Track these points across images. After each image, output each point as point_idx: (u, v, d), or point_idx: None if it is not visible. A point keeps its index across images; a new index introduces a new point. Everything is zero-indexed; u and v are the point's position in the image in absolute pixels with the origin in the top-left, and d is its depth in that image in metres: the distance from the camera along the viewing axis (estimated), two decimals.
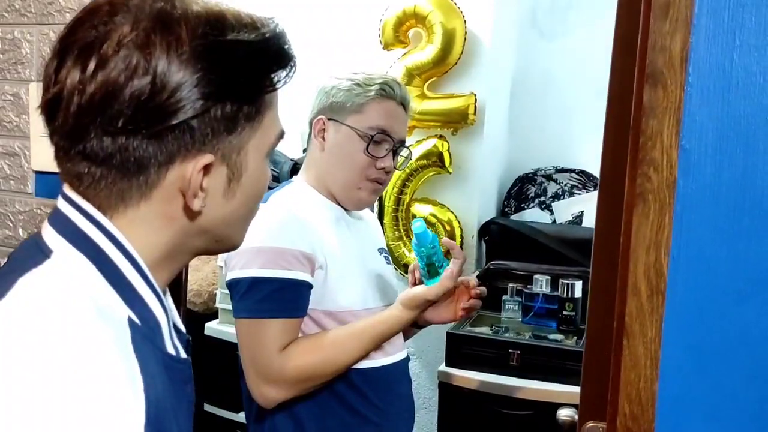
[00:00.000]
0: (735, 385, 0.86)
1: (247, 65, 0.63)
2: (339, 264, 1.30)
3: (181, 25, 0.59)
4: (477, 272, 2.25)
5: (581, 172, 2.44)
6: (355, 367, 1.29)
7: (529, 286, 2.11)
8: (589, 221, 2.39)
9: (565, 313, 2.01)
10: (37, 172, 1.31)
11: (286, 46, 0.68)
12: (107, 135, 0.59)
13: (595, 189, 2.42)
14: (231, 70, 0.62)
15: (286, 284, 1.22)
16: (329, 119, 1.35)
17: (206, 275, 2.51)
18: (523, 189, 2.48)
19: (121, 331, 0.60)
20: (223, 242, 0.72)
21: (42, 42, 1.27)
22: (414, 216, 2.33)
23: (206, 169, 0.63)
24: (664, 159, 0.88)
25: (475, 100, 2.25)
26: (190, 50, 0.59)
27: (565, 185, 2.44)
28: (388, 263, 1.50)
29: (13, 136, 1.32)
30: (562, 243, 2.26)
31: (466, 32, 2.25)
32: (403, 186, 2.33)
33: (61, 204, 0.64)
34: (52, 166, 1.25)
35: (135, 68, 0.57)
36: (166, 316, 0.67)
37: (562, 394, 1.84)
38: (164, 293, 0.69)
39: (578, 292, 1.99)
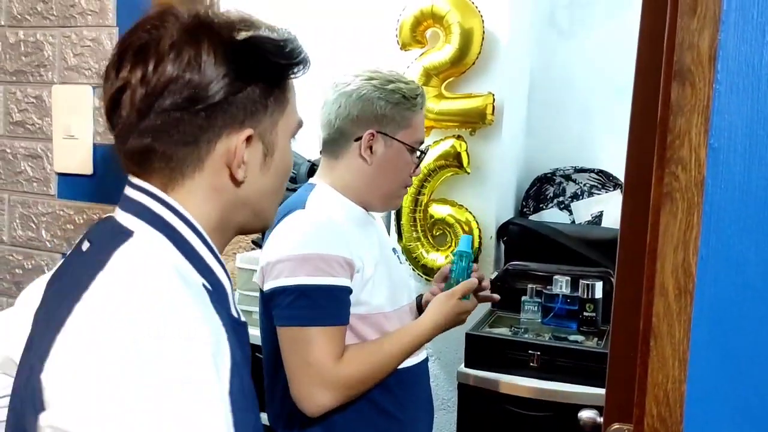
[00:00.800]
0: (765, 386, 0.84)
1: (273, 56, 0.76)
2: (370, 266, 1.32)
3: (218, 25, 0.74)
4: (495, 273, 2.24)
5: (600, 172, 2.42)
6: None
7: (548, 287, 2.10)
8: (609, 221, 2.37)
9: (585, 314, 1.99)
10: (60, 174, 1.32)
11: (300, 45, 0.81)
12: (168, 111, 0.71)
13: (614, 189, 2.40)
14: (260, 59, 0.75)
15: (333, 291, 1.24)
16: (378, 132, 1.34)
17: None
18: (541, 189, 2.46)
19: (201, 294, 0.70)
20: (259, 216, 0.83)
21: (64, 44, 1.28)
22: (434, 220, 2.32)
23: (247, 142, 0.76)
24: (693, 158, 0.86)
25: (493, 99, 2.23)
26: (230, 43, 0.73)
27: (584, 185, 2.42)
28: (401, 262, 1.52)
29: (37, 139, 1.33)
30: (582, 243, 2.24)
31: (483, 32, 2.23)
32: (421, 186, 2.32)
33: (129, 191, 0.76)
34: (74, 167, 1.27)
35: (187, 63, 0.71)
36: (229, 281, 0.78)
37: (583, 395, 1.82)
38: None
39: (599, 293, 1.98)
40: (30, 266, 1.36)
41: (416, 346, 1.36)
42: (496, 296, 1.55)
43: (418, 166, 1.41)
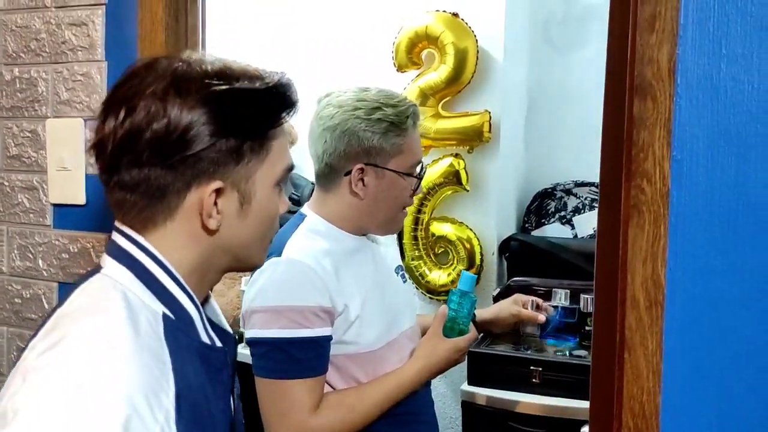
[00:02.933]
0: (739, 394, 0.84)
1: (249, 107, 0.76)
2: (358, 304, 1.28)
3: (191, 78, 0.74)
4: (498, 289, 2.24)
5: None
6: None
7: (548, 300, 2.08)
8: None
9: (587, 328, 1.98)
10: (54, 205, 1.36)
11: (289, 93, 0.81)
12: (135, 167, 0.73)
13: None
14: (234, 111, 0.75)
15: (308, 343, 1.20)
16: (368, 164, 1.29)
17: (231, 300, 2.55)
18: (542, 204, 2.46)
19: (153, 320, 0.73)
20: (245, 261, 0.84)
21: (56, 80, 1.32)
22: (436, 237, 2.33)
23: (218, 193, 0.76)
24: (657, 170, 0.87)
25: (490, 117, 2.25)
26: (199, 97, 0.73)
27: (585, 199, 2.42)
28: (404, 281, 1.48)
29: (32, 171, 1.37)
30: (584, 258, 2.23)
31: (478, 50, 2.26)
32: (421, 205, 2.34)
33: (113, 234, 0.79)
34: (67, 198, 1.31)
35: (154, 114, 0.72)
36: (198, 311, 0.79)
37: (586, 411, 1.81)
38: (206, 300, 0.85)
39: None
40: (28, 295, 1.40)
41: (403, 392, 1.30)
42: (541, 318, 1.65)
43: (417, 186, 1.36)
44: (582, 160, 2.46)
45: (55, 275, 1.35)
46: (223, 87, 0.74)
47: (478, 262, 2.30)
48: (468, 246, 2.31)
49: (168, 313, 0.75)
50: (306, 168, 2.93)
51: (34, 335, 0.73)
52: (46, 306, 1.36)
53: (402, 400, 1.31)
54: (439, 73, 2.29)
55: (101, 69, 1.28)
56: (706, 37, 0.85)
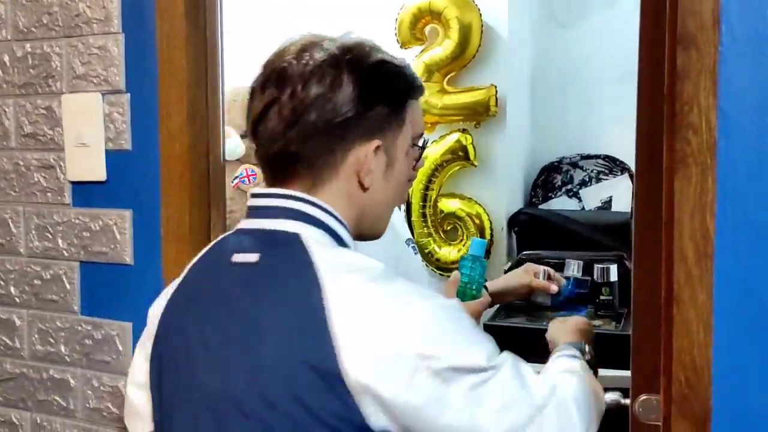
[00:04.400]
0: None
1: (399, 78, 0.91)
2: None
3: (359, 53, 0.86)
4: (509, 263, 2.23)
5: (607, 158, 2.41)
6: None
7: (561, 273, 2.07)
8: (618, 206, 2.37)
9: (602, 297, 1.97)
10: (73, 183, 1.33)
11: (414, 72, 0.95)
12: (311, 125, 0.83)
13: (621, 173, 2.39)
14: (387, 82, 0.88)
15: None
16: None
17: None
18: (549, 178, 2.46)
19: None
20: (377, 224, 0.94)
21: (71, 54, 1.29)
22: (444, 214, 2.31)
23: (375, 152, 0.86)
24: (703, 122, 0.86)
25: (496, 91, 2.24)
26: (367, 68, 0.85)
27: (592, 171, 2.41)
28: (416, 252, 1.48)
29: (48, 149, 1.34)
30: (593, 229, 2.23)
31: (482, 25, 2.24)
32: (429, 182, 2.33)
33: (270, 200, 0.86)
34: (87, 175, 1.28)
35: (330, 84, 0.83)
36: None
37: (605, 378, 1.80)
38: None
39: (614, 276, 1.96)
40: (48, 276, 1.37)
41: None
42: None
43: (419, 159, 1.35)
44: (587, 133, 2.46)
45: (76, 254, 1.32)
46: (386, 61, 0.88)
47: (487, 237, 2.29)
48: (477, 221, 2.30)
49: None
50: None
51: None
52: (68, 286, 1.33)
53: None
54: (443, 48, 2.27)
55: (118, 41, 1.24)
56: None
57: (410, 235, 1.51)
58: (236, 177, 2.72)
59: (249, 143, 2.82)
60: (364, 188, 0.87)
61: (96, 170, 1.27)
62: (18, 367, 1.41)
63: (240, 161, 2.78)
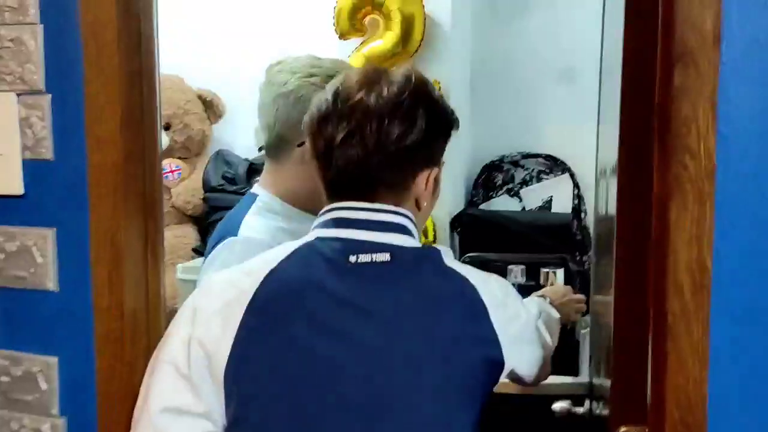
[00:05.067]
0: None
1: (450, 116, 1.06)
2: None
3: (424, 90, 1.01)
4: None
5: (548, 157, 2.40)
6: None
7: (503, 276, 2.05)
8: (559, 206, 2.37)
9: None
10: None
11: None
12: (391, 154, 0.96)
13: (562, 173, 2.39)
14: (446, 117, 1.04)
15: None
16: None
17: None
18: (490, 177, 2.43)
19: None
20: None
21: None
22: None
23: (434, 176, 1.04)
24: (701, 146, 0.81)
25: (440, 87, 2.17)
26: (432, 105, 1.01)
27: (533, 171, 2.40)
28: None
29: None
30: (536, 230, 2.22)
31: (425, 17, 2.17)
32: None
33: (375, 214, 0.98)
34: (1, 188, 1.10)
35: (410, 121, 0.97)
36: None
37: (554, 386, 1.79)
38: None
39: (560, 280, 1.95)
40: None
41: None
42: None
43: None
44: (529, 131, 2.44)
45: None
46: (441, 97, 1.05)
47: (431, 238, 2.23)
48: None
49: None
50: (238, 144, 2.77)
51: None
52: None
53: None
54: (385, 40, 2.19)
55: (35, 33, 1.07)
56: None
57: None
58: None
59: (172, 137, 2.65)
60: (419, 208, 1.02)
61: (11, 183, 1.09)
62: None
63: (162, 154, 2.60)
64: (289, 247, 0.99)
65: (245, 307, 0.92)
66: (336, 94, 0.99)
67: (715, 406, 0.82)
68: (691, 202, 0.82)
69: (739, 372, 0.82)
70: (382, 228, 0.98)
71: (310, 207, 1.24)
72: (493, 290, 1.02)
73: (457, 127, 1.07)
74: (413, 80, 0.99)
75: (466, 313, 0.98)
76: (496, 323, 0.98)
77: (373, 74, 1.00)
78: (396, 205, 0.99)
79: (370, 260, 0.95)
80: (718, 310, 0.81)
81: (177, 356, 0.93)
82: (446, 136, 1.04)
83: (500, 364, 1.00)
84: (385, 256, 0.96)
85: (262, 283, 0.94)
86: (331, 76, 1.20)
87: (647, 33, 0.89)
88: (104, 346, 1.07)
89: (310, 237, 1.00)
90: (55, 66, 1.07)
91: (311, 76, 1.25)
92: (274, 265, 0.96)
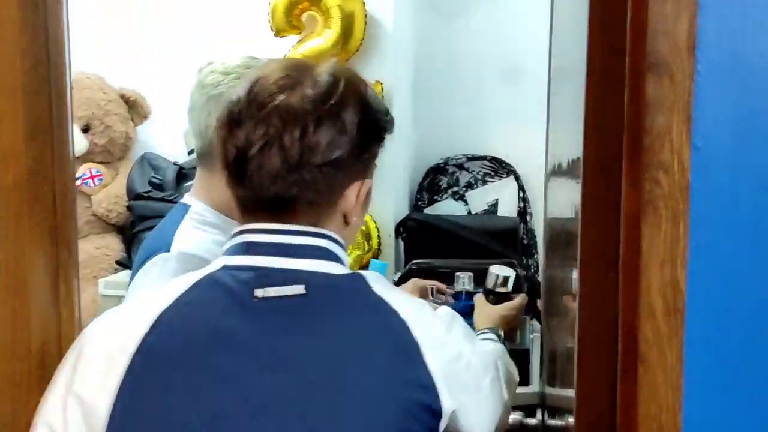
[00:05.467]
0: (766, 407, 0.77)
1: (385, 118, 0.92)
2: None
3: (359, 92, 0.87)
4: (399, 273, 2.12)
5: (493, 159, 2.37)
6: None
7: (450, 283, 1.99)
8: (504, 209, 2.34)
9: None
10: None
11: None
12: (316, 168, 0.83)
13: (507, 175, 2.36)
14: (380, 122, 0.90)
15: None
16: None
17: (86, 305, 2.20)
18: (435, 180, 2.38)
19: None
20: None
21: None
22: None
23: (366, 189, 0.90)
24: (675, 160, 0.77)
25: (382, 88, 2.10)
26: (364, 108, 0.87)
27: (478, 173, 2.36)
28: None
29: None
30: (482, 234, 2.18)
31: (366, 15, 2.09)
32: None
33: (322, 241, 0.86)
34: None
35: (340, 128, 0.83)
36: None
37: None
38: None
39: (510, 286, 1.90)
40: None
41: None
42: None
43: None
44: (473, 133, 2.40)
45: None
46: (376, 98, 0.91)
47: (375, 245, 2.16)
48: (364, 228, 2.15)
49: None
50: (166, 146, 2.62)
51: None
52: None
53: None
54: (324, 38, 2.10)
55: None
56: (730, 6, 0.74)
57: None
58: (78, 178, 2.38)
59: (92, 140, 2.49)
60: (347, 223, 0.89)
61: None
62: None
63: (81, 159, 2.44)
64: (190, 278, 0.86)
65: (131, 356, 0.79)
66: (251, 93, 0.84)
67: None
68: (665, 221, 0.77)
69: (715, 399, 0.78)
70: (299, 253, 0.84)
71: None
72: (430, 326, 0.88)
73: (392, 129, 0.93)
74: (342, 78, 0.85)
75: (396, 355, 0.83)
76: (431, 365, 0.83)
77: (296, 69, 0.85)
78: (317, 224, 0.86)
79: (280, 294, 0.82)
80: (693, 334, 0.77)
81: (53, 418, 0.80)
82: (380, 141, 0.91)
83: (438, 413, 0.84)
84: (298, 289, 0.82)
85: (153, 326, 0.80)
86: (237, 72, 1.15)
87: (614, 40, 0.83)
88: (6, 390, 0.94)
89: (216, 265, 0.86)
90: None
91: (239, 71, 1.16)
92: (169, 302, 0.83)
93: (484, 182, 2.35)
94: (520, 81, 2.25)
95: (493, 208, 2.34)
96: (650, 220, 0.78)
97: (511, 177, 2.34)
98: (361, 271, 0.89)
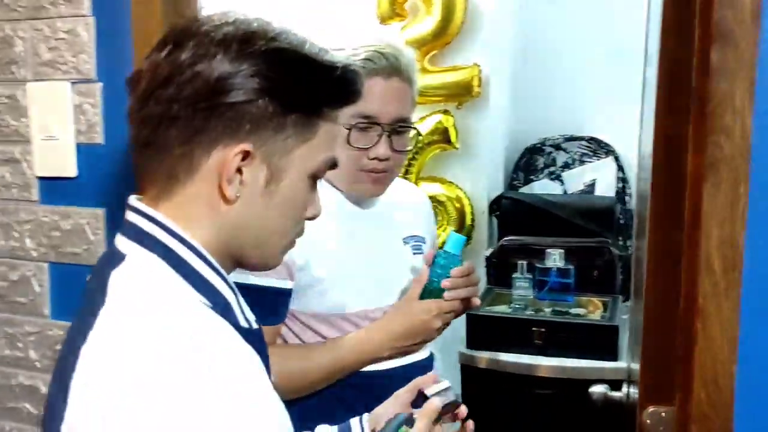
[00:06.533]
0: None
1: (305, 76, 0.70)
2: (328, 263, 1.19)
3: (252, 30, 0.69)
4: (490, 250, 2.19)
5: (592, 139, 2.37)
6: (365, 370, 1.21)
7: (542, 260, 2.04)
8: (602, 189, 2.34)
9: None
10: (41, 178, 1.22)
11: (354, 81, 0.75)
12: (168, 103, 0.66)
13: (606, 156, 2.36)
14: (287, 75, 0.69)
15: (258, 291, 1.08)
16: None
17: None
18: (531, 160, 2.42)
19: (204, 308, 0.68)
20: (260, 249, 0.74)
21: (36, 38, 1.17)
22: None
23: (245, 158, 0.68)
24: (737, 124, 0.81)
25: (480, 71, 2.17)
26: (254, 50, 0.68)
27: (575, 154, 2.37)
28: (417, 252, 1.33)
29: (12, 141, 1.23)
30: (576, 213, 2.20)
31: (466, 1, 2.16)
32: (408, 165, 2.25)
33: (126, 213, 0.71)
34: (56, 170, 1.17)
35: (201, 55, 0.66)
36: (233, 293, 0.73)
37: (591, 369, 1.80)
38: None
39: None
40: (16, 278, 1.27)
41: (359, 361, 1.19)
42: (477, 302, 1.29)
43: (378, 146, 1.18)
44: (571, 113, 2.41)
45: (45, 255, 1.22)
46: (283, 46, 0.69)
47: (468, 222, 2.24)
48: (458, 205, 2.24)
49: (205, 301, 0.68)
50: None
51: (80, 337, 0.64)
52: (37, 289, 1.23)
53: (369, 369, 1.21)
54: (425, 24, 2.19)
55: (89, 25, 1.13)
56: None
57: (418, 232, 1.36)
58: None
59: None
60: (227, 200, 0.69)
61: (66, 165, 1.16)
62: None
63: None
64: None
65: None
66: None
67: (742, 387, 0.82)
68: (725, 183, 0.82)
69: None
70: (124, 231, 0.73)
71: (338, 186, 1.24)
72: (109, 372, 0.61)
73: (344, 101, 0.75)
74: (256, 19, 0.71)
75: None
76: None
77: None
78: (164, 189, 0.71)
79: (87, 281, 0.73)
80: (750, 291, 0.81)
81: None
82: (293, 105, 0.71)
83: None
84: (89, 277, 0.73)
85: None
86: (354, 53, 1.15)
87: (685, 12, 0.88)
88: None
89: None
90: (106, 56, 1.13)
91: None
92: None
93: (582, 162, 2.36)
94: (620, 61, 2.24)
95: (591, 188, 2.34)
96: (711, 182, 0.82)
97: (611, 157, 2.34)
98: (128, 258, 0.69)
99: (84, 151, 1.16)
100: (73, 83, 1.15)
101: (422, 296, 1.22)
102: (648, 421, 0.99)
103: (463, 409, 1.01)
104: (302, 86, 0.70)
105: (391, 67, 1.17)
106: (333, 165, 0.76)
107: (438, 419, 0.95)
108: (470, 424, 1.02)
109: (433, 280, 1.21)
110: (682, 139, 0.88)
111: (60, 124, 1.16)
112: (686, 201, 0.86)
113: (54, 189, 1.20)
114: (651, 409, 0.99)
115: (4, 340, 1.29)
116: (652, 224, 0.99)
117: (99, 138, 1.15)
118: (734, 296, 0.82)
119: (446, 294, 1.21)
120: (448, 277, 1.21)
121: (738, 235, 0.82)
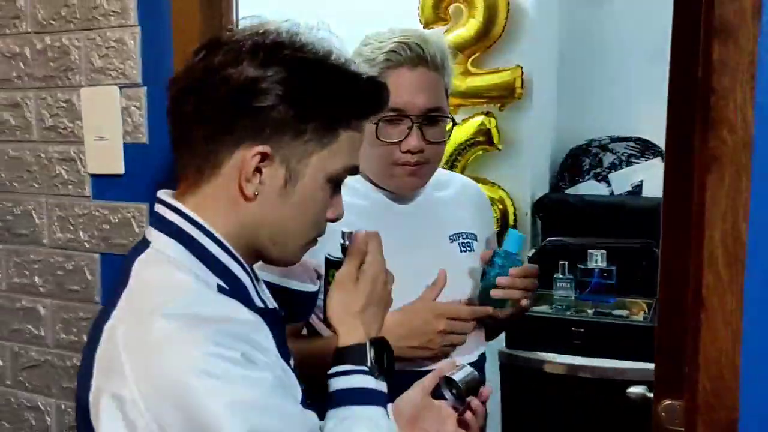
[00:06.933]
0: None
1: (328, 86, 0.74)
2: None
3: (280, 41, 0.74)
4: (533, 250, 2.20)
5: (639, 140, 2.34)
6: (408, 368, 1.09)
7: (584, 262, 2.03)
8: (650, 190, 2.30)
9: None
10: (93, 176, 1.33)
11: (379, 93, 0.79)
12: (200, 104, 0.72)
13: (654, 156, 2.32)
14: (310, 84, 0.73)
15: (279, 291, 1.01)
16: None
17: None
18: (577, 161, 2.40)
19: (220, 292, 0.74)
20: (278, 246, 0.78)
21: (89, 47, 1.28)
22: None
23: (263, 159, 0.73)
24: (739, 118, 0.82)
25: (522, 72, 2.18)
26: (281, 57, 0.72)
27: (622, 155, 2.35)
28: (465, 249, 1.24)
29: (69, 142, 1.35)
30: (621, 214, 2.18)
31: (508, 3, 2.18)
32: (451, 167, 2.29)
33: (156, 206, 0.77)
34: (106, 168, 1.28)
35: (231, 60, 0.72)
36: (249, 276, 0.78)
37: (630, 371, 1.78)
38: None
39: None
40: (71, 267, 1.38)
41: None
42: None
43: (409, 138, 1.13)
44: (617, 114, 2.39)
45: (96, 246, 1.34)
46: (308, 57, 0.74)
47: (511, 223, 2.25)
48: (501, 207, 2.26)
49: (222, 284, 0.74)
50: None
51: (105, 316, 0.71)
52: (90, 277, 1.35)
53: None
54: (467, 28, 2.22)
55: (135, 34, 1.23)
56: None
57: (468, 229, 1.27)
58: None
59: None
60: (246, 197, 0.74)
61: (114, 164, 1.27)
62: (43, 355, 1.43)
63: None
64: None
65: None
66: None
67: (746, 379, 0.82)
68: (728, 175, 0.82)
69: None
70: (151, 221, 0.80)
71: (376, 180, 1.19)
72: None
73: (369, 112, 0.80)
74: (289, 30, 0.76)
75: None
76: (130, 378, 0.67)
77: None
78: (193, 183, 0.76)
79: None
80: (753, 283, 0.81)
81: None
82: (298, 106, 0.74)
83: None
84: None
85: None
86: (380, 45, 1.13)
87: (692, 10, 0.90)
88: None
89: None
90: (150, 63, 1.23)
91: (363, 46, 1.16)
92: None
93: (629, 163, 2.33)
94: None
95: (638, 189, 2.31)
96: (714, 174, 0.83)
97: (658, 158, 2.30)
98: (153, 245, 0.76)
99: (130, 150, 1.27)
100: (121, 88, 1.26)
101: (480, 298, 1.18)
102: (663, 414, 1.00)
103: (486, 390, 1.01)
104: (324, 96, 0.74)
105: (417, 57, 1.13)
106: (354, 171, 0.80)
107: (459, 395, 0.98)
108: (481, 407, 1.00)
109: (491, 281, 1.16)
110: (689, 134, 0.89)
111: (109, 126, 1.27)
112: (693, 194, 0.88)
113: (104, 185, 1.31)
114: (666, 402, 1.00)
115: (61, 325, 1.41)
116: (665, 220, 1.00)
117: (144, 138, 1.25)
118: (737, 289, 0.83)
119: (474, 299, 1.17)
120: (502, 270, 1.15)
121: (740, 228, 0.82)
